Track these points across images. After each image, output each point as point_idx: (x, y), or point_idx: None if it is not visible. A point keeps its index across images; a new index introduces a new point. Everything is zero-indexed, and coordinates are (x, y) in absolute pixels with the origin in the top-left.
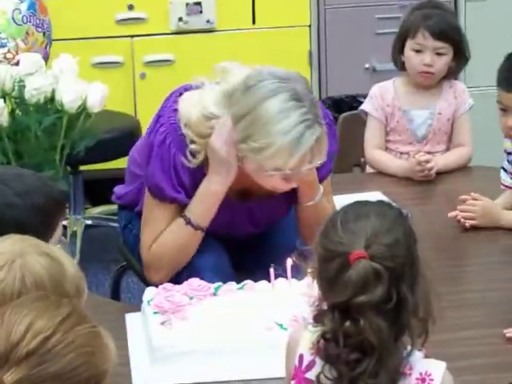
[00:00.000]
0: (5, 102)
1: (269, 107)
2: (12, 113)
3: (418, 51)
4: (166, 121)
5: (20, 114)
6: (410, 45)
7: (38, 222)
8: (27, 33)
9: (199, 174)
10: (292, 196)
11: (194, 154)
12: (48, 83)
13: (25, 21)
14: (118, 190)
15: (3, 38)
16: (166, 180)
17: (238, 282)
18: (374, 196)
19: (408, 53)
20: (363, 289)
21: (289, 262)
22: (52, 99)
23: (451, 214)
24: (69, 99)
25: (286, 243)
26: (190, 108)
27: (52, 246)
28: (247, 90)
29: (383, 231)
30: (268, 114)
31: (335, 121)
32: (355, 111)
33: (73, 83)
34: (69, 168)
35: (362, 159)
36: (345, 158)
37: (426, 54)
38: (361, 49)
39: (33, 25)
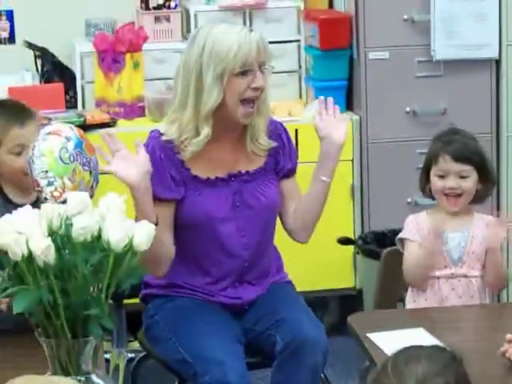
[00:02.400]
0: (52, 240)
1: (214, 32)
2: (59, 251)
3: (441, 176)
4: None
5: (67, 252)
6: (434, 171)
7: None
8: (74, 171)
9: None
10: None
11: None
12: (95, 222)
13: (72, 159)
14: (147, 278)
15: (50, 177)
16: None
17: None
18: (417, 333)
19: (433, 179)
20: None
21: None
22: (98, 238)
23: (501, 351)
24: (115, 238)
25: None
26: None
27: None
28: (191, 42)
29: (433, 374)
30: (218, 35)
31: (378, 256)
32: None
33: (119, 222)
34: (112, 302)
35: (405, 294)
36: (388, 293)
37: (449, 179)
38: (403, 184)
39: (80, 163)
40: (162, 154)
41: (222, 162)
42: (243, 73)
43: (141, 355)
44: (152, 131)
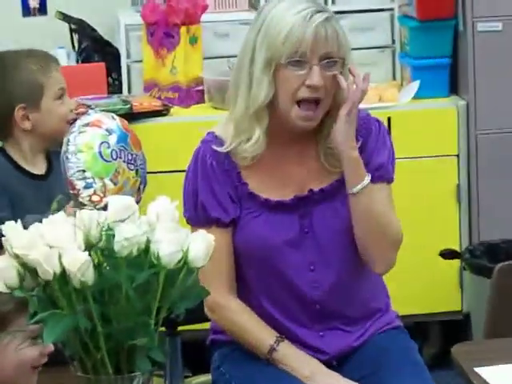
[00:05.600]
0: (90, 255)
1: (276, 9)
2: (98, 268)
3: None
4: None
5: (108, 269)
6: None
7: None
8: (117, 171)
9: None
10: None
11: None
12: (141, 232)
13: (114, 156)
14: (213, 324)
15: (88, 178)
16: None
17: None
18: None
19: None
20: None
21: None
22: (146, 251)
23: None
24: (167, 251)
25: None
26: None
27: None
28: (254, 19)
29: None
30: (277, 13)
31: (489, 272)
32: None
33: (171, 232)
34: (164, 329)
35: None
36: (502, 318)
37: None
38: None
39: (124, 161)
40: (214, 161)
41: (287, 180)
42: (294, 64)
43: None
44: (207, 133)
